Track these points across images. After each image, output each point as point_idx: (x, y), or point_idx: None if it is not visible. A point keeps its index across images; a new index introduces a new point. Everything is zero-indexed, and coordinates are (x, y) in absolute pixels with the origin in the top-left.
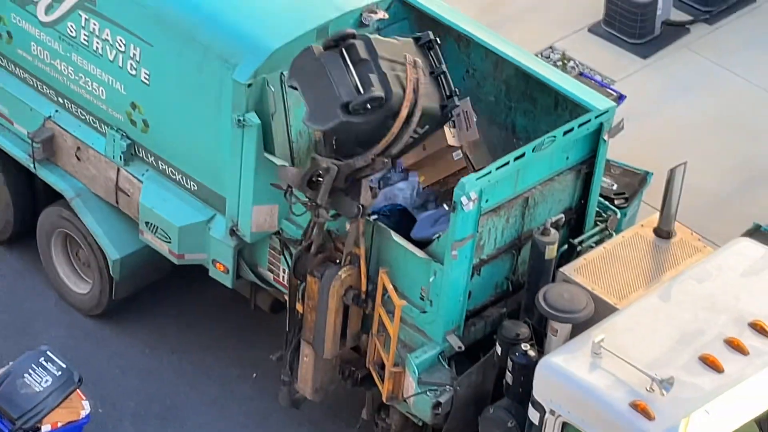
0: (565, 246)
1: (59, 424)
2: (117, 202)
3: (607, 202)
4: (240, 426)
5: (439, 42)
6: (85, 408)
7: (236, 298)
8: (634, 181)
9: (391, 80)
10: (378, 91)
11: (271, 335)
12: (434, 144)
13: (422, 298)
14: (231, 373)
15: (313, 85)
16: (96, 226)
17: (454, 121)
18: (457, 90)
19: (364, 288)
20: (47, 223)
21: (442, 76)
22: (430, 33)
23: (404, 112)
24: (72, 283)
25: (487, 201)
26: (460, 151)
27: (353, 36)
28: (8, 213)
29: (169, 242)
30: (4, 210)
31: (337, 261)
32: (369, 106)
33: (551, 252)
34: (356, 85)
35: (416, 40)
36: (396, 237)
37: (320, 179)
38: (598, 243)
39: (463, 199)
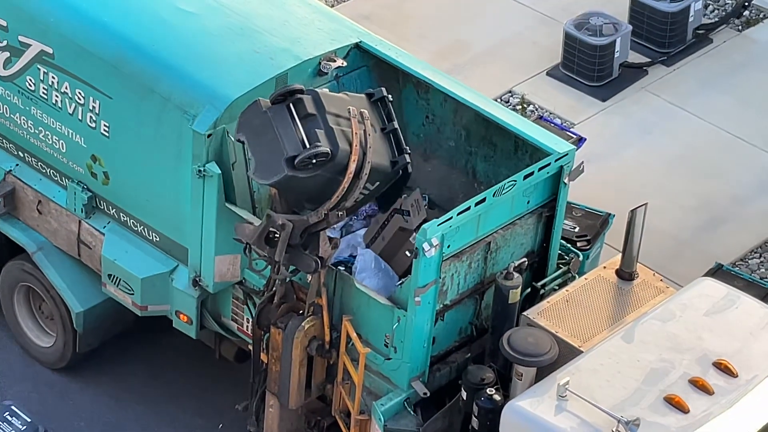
0: (529, 289)
1: None
2: (79, 255)
3: (569, 245)
4: None
5: (391, 99)
6: None
7: (201, 348)
8: (595, 223)
9: (338, 135)
10: (324, 147)
11: (236, 384)
12: (389, 232)
13: (386, 345)
14: (196, 422)
15: (259, 139)
16: (59, 280)
17: (407, 211)
18: (407, 148)
19: (327, 338)
20: (9, 277)
21: (392, 134)
22: (383, 90)
23: (352, 167)
24: (35, 336)
25: (449, 246)
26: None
27: (301, 91)
28: None
29: (132, 294)
30: None
31: (300, 312)
32: (315, 161)
33: (514, 296)
34: (302, 139)
35: (369, 96)
36: (359, 284)
37: (276, 236)
38: (561, 286)
39: (425, 246)
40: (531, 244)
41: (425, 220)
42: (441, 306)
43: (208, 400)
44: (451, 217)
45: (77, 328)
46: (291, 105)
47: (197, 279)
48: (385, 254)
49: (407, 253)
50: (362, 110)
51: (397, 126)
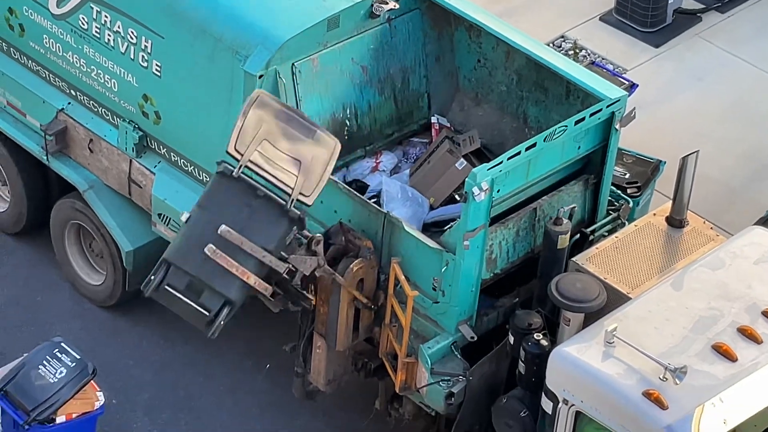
0: (578, 235)
1: (74, 416)
2: (130, 194)
3: (619, 192)
4: (254, 416)
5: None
6: (100, 399)
7: None
8: (646, 170)
9: None
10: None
11: (284, 326)
12: (437, 156)
13: (434, 289)
14: (245, 364)
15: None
16: (109, 218)
17: (459, 141)
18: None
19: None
20: (60, 215)
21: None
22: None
23: None
24: (85, 274)
25: (498, 191)
26: (462, 160)
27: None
28: (22, 205)
29: None
30: (17, 202)
31: (350, 254)
32: None
33: (563, 241)
34: None
35: None
36: (408, 227)
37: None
38: (610, 232)
39: (475, 190)
40: (580, 214)
41: (476, 159)
42: (491, 275)
43: (255, 341)
44: (501, 162)
45: (127, 267)
46: None
47: None
48: (428, 178)
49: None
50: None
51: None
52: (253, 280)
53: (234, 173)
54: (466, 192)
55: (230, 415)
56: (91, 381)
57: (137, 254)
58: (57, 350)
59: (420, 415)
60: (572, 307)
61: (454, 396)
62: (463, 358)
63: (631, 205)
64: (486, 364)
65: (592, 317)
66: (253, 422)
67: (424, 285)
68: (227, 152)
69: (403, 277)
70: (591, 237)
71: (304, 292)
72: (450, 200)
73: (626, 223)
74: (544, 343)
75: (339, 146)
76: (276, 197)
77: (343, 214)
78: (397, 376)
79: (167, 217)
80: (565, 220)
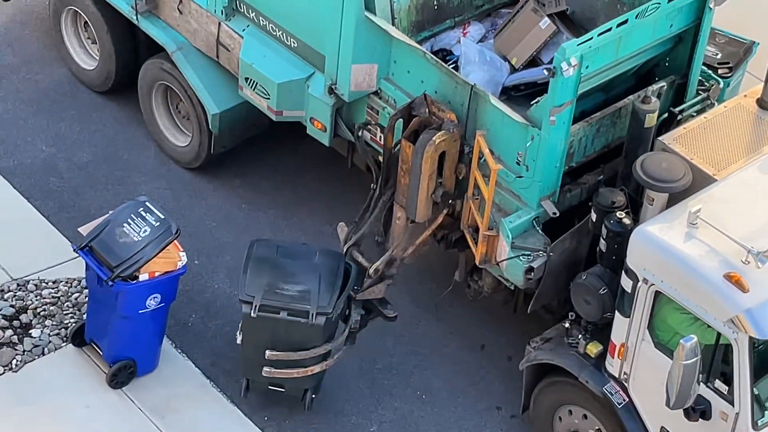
0: (666, 114)
1: (156, 274)
2: (218, 57)
3: (710, 72)
4: None
5: None
6: (182, 259)
7: (333, 156)
8: (738, 51)
9: None
10: None
11: (366, 193)
12: (520, 15)
13: (518, 163)
14: (326, 230)
15: None
16: (196, 80)
17: (543, 3)
18: None
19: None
20: (148, 75)
21: None
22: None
23: None
24: (171, 135)
25: (587, 67)
26: (546, 18)
27: None
28: (110, 63)
29: (268, 98)
30: (106, 60)
31: (432, 126)
32: None
33: (651, 120)
34: None
35: None
36: (494, 101)
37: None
38: (699, 112)
39: (563, 65)
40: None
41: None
42: (566, 168)
43: (337, 207)
44: (591, 38)
45: (212, 130)
46: None
47: (333, 87)
48: (512, 38)
49: (536, 39)
50: None
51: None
52: (318, 368)
53: (252, 313)
54: (554, 67)
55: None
56: (175, 241)
57: (223, 117)
58: (142, 209)
59: (498, 289)
60: (657, 186)
61: (534, 271)
62: (544, 233)
63: (721, 85)
64: (567, 240)
65: (676, 198)
66: None
67: (508, 159)
68: (240, 299)
69: (487, 150)
70: (679, 117)
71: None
72: (532, 62)
73: (715, 103)
74: (627, 221)
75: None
76: (298, 318)
77: (430, 84)
78: (478, 249)
79: (254, 81)
80: (653, 99)
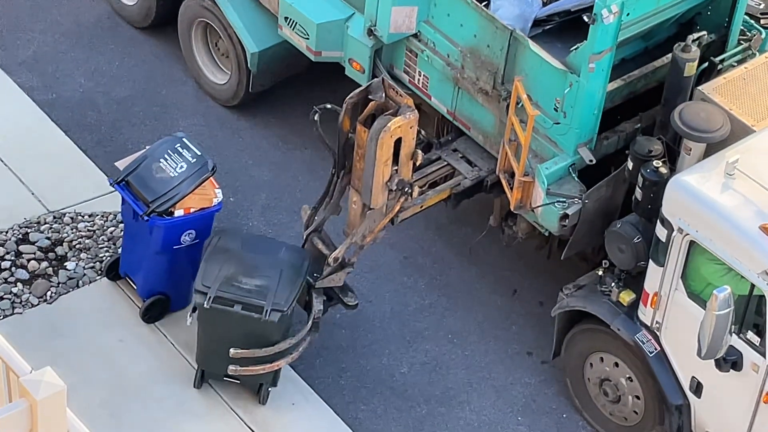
0: (706, 64)
1: (192, 210)
2: None
3: (752, 21)
4: None
5: None
6: (218, 196)
7: None
8: None
9: None
10: None
11: None
12: None
13: (556, 109)
14: None
15: None
16: (236, 19)
17: None
18: None
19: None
20: (188, 12)
21: None
22: None
23: None
24: (210, 73)
25: (628, 15)
26: None
27: None
28: (150, 0)
29: (307, 38)
30: None
31: (389, 111)
32: None
33: (690, 69)
34: None
35: None
36: (533, 46)
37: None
38: (740, 62)
39: (604, 12)
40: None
41: None
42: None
43: None
44: None
45: (251, 68)
46: None
47: (372, 28)
48: None
49: None
50: None
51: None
52: (283, 363)
53: (205, 304)
54: (594, 14)
55: (344, 219)
56: (211, 177)
57: (262, 56)
58: (178, 145)
59: (533, 235)
60: (694, 136)
61: (569, 218)
62: (580, 180)
63: (763, 36)
64: (602, 188)
65: (714, 148)
66: None
67: (545, 105)
68: (195, 289)
69: (525, 95)
70: (719, 67)
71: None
72: None
73: (757, 54)
74: (663, 170)
75: (308, 254)
76: (251, 313)
77: (469, 28)
78: (513, 195)
79: (293, 21)
80: (694, 48)
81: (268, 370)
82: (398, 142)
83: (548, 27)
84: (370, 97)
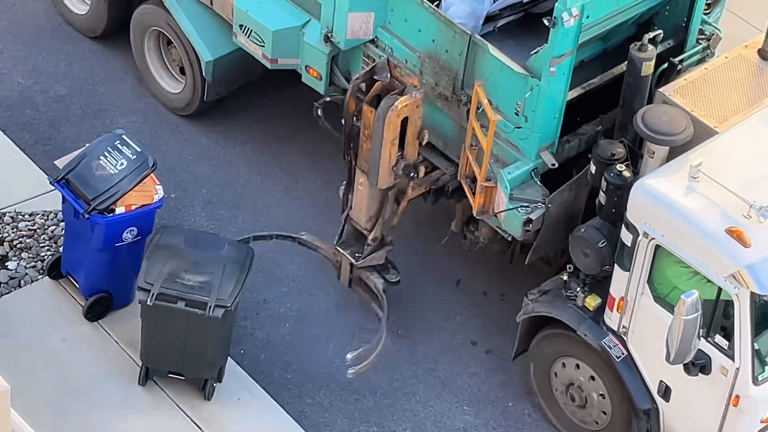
0: (665, 65)
1: (133, 207)
2: (211, 4)
3: (709, 21)
4: (310, 216)
5: None
6: (159, 192)
7: (312, 95)
8: None
9: None
10: None
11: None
12: None
13: (517, 113)
14: (301, 164)
15: None
16: (190, 27)
17: None
18: None
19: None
20: (141, 22)
21: None
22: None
23: None
24: (164, 82)
25: (588, 17)
26: None
27: None
28: (102, 9)
29: (263, 46)
30: (98, 6)
31: (395, 90)
32: None
33: (647, 68)
34: None
35: None
36: (493, 50)
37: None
38: (699, 62)
39: (564, 15)
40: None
41: None
42: None
43: (314, 143)
44: None
45: (206, 77)
46: None
47: (329, 35)
48: None
49: None
50: None
51: None
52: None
53: (148, 301)
54: (555, 17)
55: (286, 214)
56: (151, 174)
57: (217, 65)
58: (118, 142)
59: (495, 239)
60: (658, 139)
61: (532, 222)
62: (542, 184)
63: (721, 35)
64: (565, 191)
65: (677, 150)
66: (309, 221)
67: (506, 109)
68: (138, 286)
69: (486, 100)
70: (679, 67)
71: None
72: None
73: (716, 53)
74: (627, 174)
75: (253, 251)
76: (195, 309)
77: (427, 33)
78: (475, 200)
79: (248, 28)
80: (650, 47)
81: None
82: (404, 122)
83: (500, 24)
84: (375, 77)
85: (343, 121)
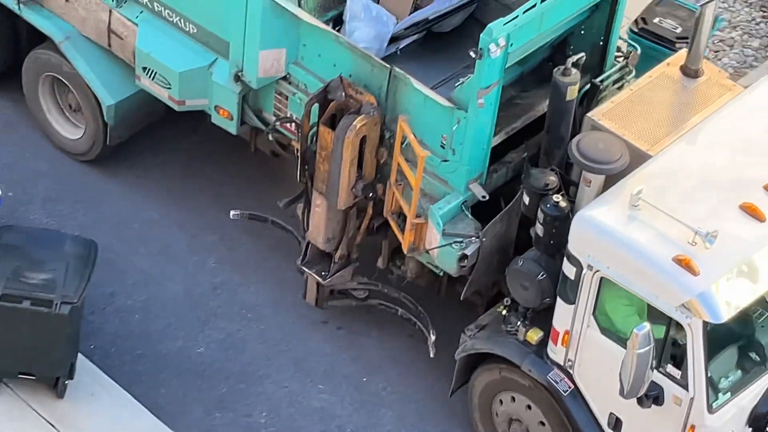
0: (587, 86)
1: None
2: (110, 46)
3: (629, 40)
4: (153, 205)
5: None
6: None
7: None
8: None
9: None
10: None
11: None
12: None
13: (443, 146)
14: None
15: None
16: (88, 71)
17: None
18: None
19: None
20: (34, 67)
21: None
22: None
23: None
24: (62, 128)
25: (512, 45)
26: None
27: None
28: None
29: (169, 88)
30: None
31: (351, 110)
32: None
33: (572, 92)
34: None
35: None
36: (416, 84)
37: None
38: (618, 80)
39: (491, 46)
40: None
41: None
42: None
43: (150, 137)
44: (516, 16)
45: (108, 121)
46: None
47: (239, 74)
48: None
49: None
50: None
51: None
52: None
53: None
54: (481, 49)
55: (131, 205)
56: None
57: (119, 108)
58: None
59: (422, 273)
60: (595, 168)
61: (468, 258)
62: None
63: (639, 51)
64: (498, 223)
65: (613, 177)
66: (151, 212)
67: (431, 143)
68: None
69: (412, 136)
70: (601, 86)
71: None
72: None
73: (634, 70)
74: (564, 204)
75: (96, 245)
76: (41, 308)
77: (343, 68)
78: (405, 238)
79: (152, 70)
80: (574, 70)
81: None
82: (362, 141)
83: (402, 46)
84: (329, 97)
85: (298, 144)
